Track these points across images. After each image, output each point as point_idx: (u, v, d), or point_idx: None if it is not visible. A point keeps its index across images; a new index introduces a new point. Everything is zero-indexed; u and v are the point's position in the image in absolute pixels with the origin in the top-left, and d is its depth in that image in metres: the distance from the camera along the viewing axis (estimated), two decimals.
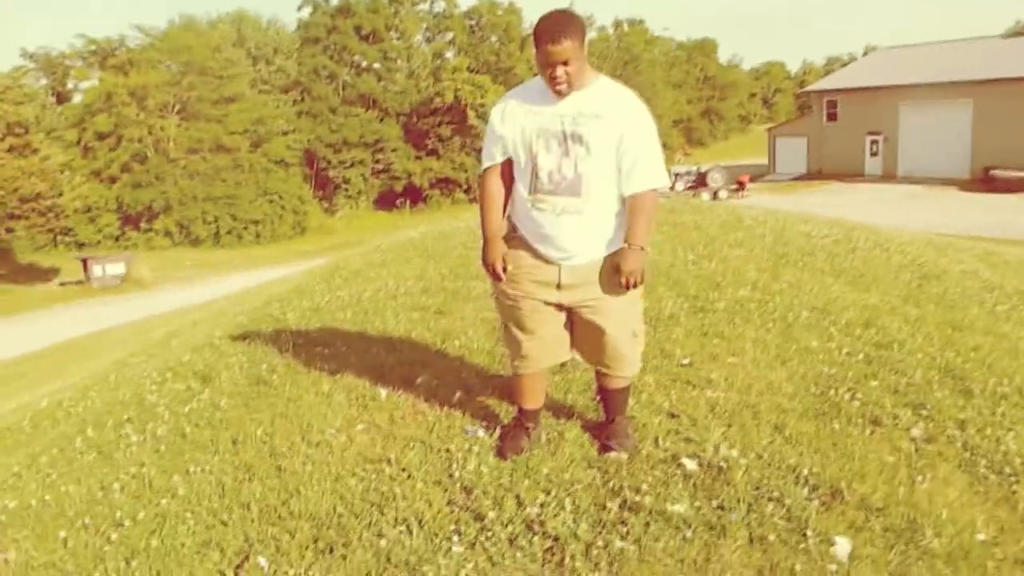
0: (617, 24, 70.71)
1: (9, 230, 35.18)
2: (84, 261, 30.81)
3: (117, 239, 43.70)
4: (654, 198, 2.77)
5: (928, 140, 38.06)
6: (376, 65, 54.98)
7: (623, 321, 2.88)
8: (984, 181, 34.97)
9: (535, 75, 2.78)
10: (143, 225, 44.37)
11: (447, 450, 3.19)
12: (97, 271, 29.68)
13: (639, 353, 3.05)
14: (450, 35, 58.09)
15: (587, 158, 2.71)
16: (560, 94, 2.68)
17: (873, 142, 40.55)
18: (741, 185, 36.68)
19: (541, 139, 2.74)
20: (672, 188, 33.89)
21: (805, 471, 2.84)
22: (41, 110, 47.25)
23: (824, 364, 3.90)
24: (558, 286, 2.84)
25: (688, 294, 5.11)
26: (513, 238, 2.91)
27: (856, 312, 4.79)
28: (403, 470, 3.08)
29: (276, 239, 45.59)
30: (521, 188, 2.84)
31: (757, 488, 2.75)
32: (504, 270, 2.87)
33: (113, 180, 44.13)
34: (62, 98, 52.43)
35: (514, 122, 2.80)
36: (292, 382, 4.15)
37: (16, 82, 39.91)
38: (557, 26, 2.58)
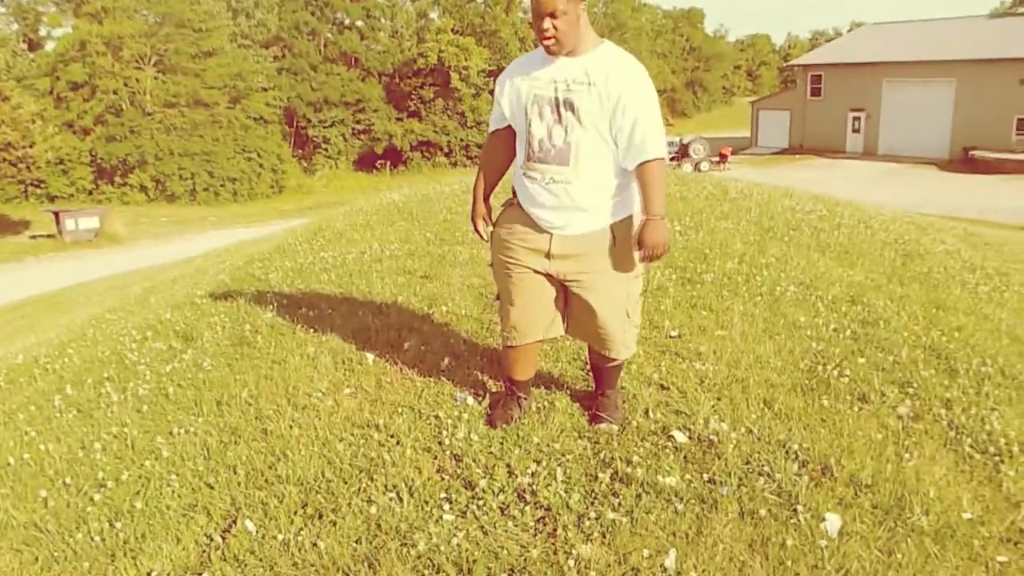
0: None
1: None
2: (56, 214, 30.08)
3: (91, 193, 42.71)
4: (661, 166, 2.69)
5: (910, 119, 38.25)
6: (359, 23, 53.86)
7: (615, 299, 2.83)
8: (963, 162, 35.26)
9: (520, 39, 2.72)
10: (117, 179, 43.38)
11: (436, 417, 3.16)
12: (70, 225, 29.03)
13: (633, 336, 3.01)
14: None
15: (578, 127, 2.66)
16: (549, 51, 2.62)
17: (855, 119, 40.67)
18: (723, 157, 36.69)
19: (535, 106, 2.71)
20: None
21: (795, 446, 2.85)
22: (12, 56, 45.77)
23: (812, 340, 3.92)
24: (548, 255, 2.80)
25: (676, 265, 5.10)
26: (512, 204, 2.90)
27: (842, 288, 4.82)
28: (392, 436, 3.06)
29: (254, 197, 44.89)
30: (519, 155, 2.85)
31: (747, 462, 2.76)
32: (490, 230, 2.96)
33: (87, 132, 43.03)
34: (34, 45, 50.81)
35: (512, 88, 2.79)
36: (277, 344, 4.09)
37: None
38: None
